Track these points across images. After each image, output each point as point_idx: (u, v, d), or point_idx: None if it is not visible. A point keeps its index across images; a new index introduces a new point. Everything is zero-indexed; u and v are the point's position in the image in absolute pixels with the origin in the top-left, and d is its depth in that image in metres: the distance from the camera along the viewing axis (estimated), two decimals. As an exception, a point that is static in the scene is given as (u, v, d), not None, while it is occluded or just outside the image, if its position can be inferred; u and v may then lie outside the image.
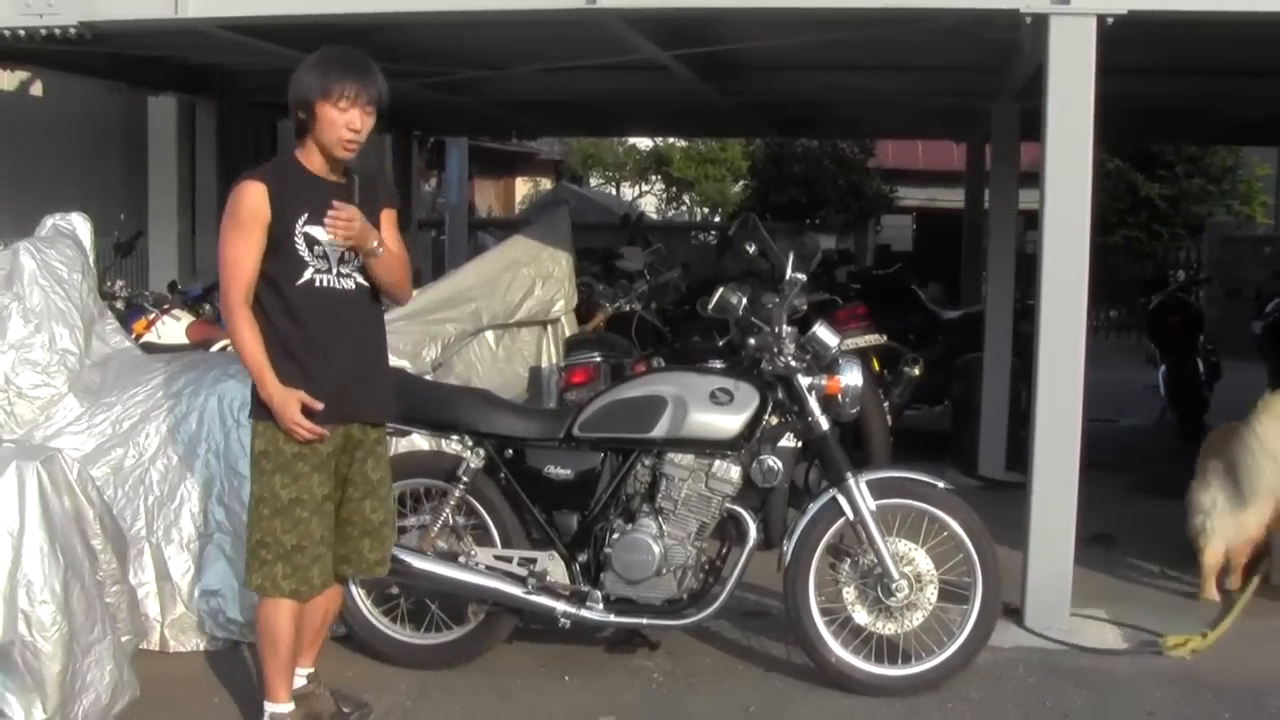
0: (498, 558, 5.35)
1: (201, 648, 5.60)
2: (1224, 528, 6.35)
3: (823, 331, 5.26)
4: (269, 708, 4.56)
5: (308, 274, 4.39)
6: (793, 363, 5.21)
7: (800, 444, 5.34)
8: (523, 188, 32.19)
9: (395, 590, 5.48)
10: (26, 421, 5.76)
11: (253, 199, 4.33)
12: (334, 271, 4.43)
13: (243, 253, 4.33)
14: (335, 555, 4.58)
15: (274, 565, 4.41)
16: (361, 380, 4.52)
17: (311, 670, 4.82)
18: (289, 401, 4.30)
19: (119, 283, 8.61)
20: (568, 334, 7.85)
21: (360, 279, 4.50)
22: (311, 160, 4.45)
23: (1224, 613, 6.17)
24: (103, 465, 5.64)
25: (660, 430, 5.18)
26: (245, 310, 4.33)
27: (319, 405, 4.33)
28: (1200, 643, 5.73)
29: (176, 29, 6.93)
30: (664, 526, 5.21)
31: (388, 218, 4.65)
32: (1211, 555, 6.38)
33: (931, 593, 5.24)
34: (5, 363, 5.74)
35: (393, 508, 4.85)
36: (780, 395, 5.25)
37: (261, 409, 4.39)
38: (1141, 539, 7.48)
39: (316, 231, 4.38)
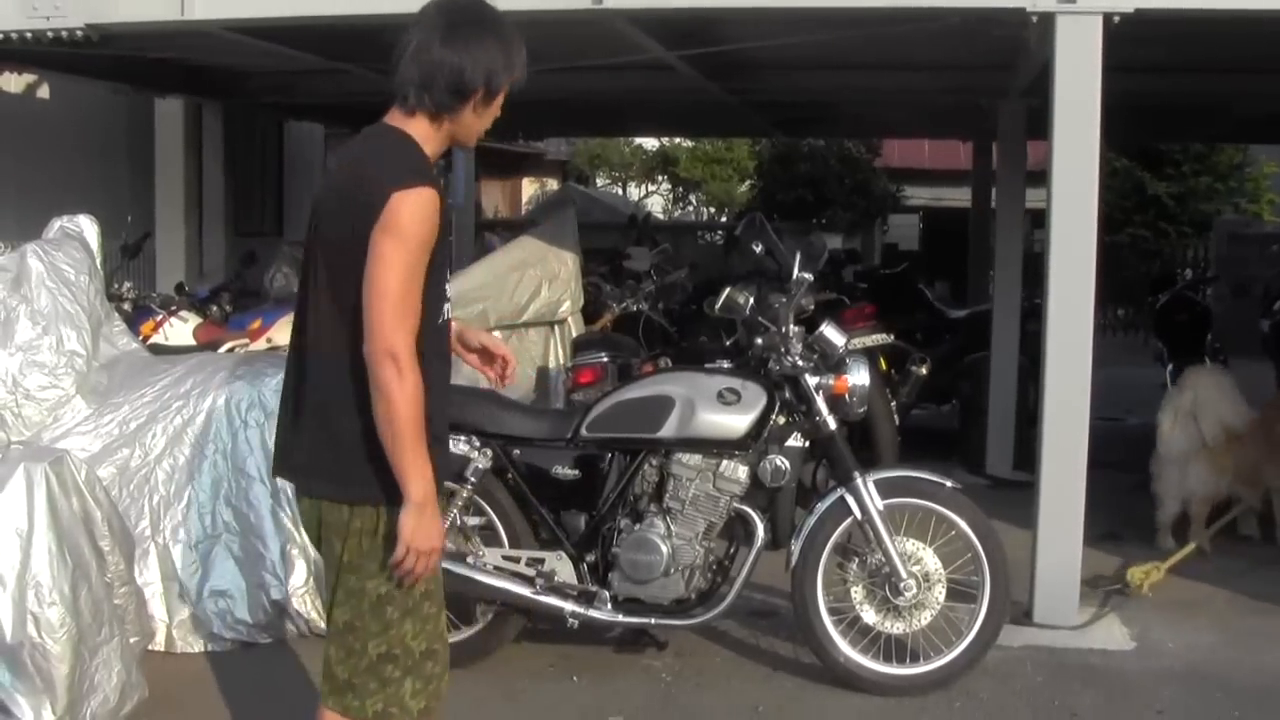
0: (505, 558, 5.35)
1: (209, 649, 5.60)
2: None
3: (830, 331, 5.26)
4: None
5: (446, 309, 3.38)
6: (800, 362, 5.20)
7: (808, 443, 5.34)
8: (529, 188, 32.20)
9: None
10: (34, 423, 5.77)
11: (435, 213, 3.16)
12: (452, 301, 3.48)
13: (418, 283, 3.14)
14: None
15: (401, 681, 3.29)
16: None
17: None
18: (439, 522, 3.21)
19: (126, 285, 8.62)
20: (575, 334, 7.86)
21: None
22: (432, 147, 3.30)
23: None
24: (109, 465, 5.65)
25: (668, 430, 5.18)
26: (418, 371, 3.12)
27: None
28: (1157, 575, 6.26)
29: (183, 31, 6.94)
30: (672, 526, 5.21)
31: None
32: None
33: (939, 592, 5.23)
34: (13, 365, 5.76)
35: None
36: (788, 395, 5.25)
37: (393, 491, 3.14)
38: (1149, 537, 7.47)
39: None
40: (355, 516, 3.24)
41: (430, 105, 3.21)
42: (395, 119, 3.27)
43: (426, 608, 3.32)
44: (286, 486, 5.68)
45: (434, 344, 3.27)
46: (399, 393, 3.06)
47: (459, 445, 5.44)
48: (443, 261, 3.29)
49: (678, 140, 29.97)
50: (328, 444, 3.25)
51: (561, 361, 7.73)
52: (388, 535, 3.19)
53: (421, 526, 3.12)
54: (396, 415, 3.07)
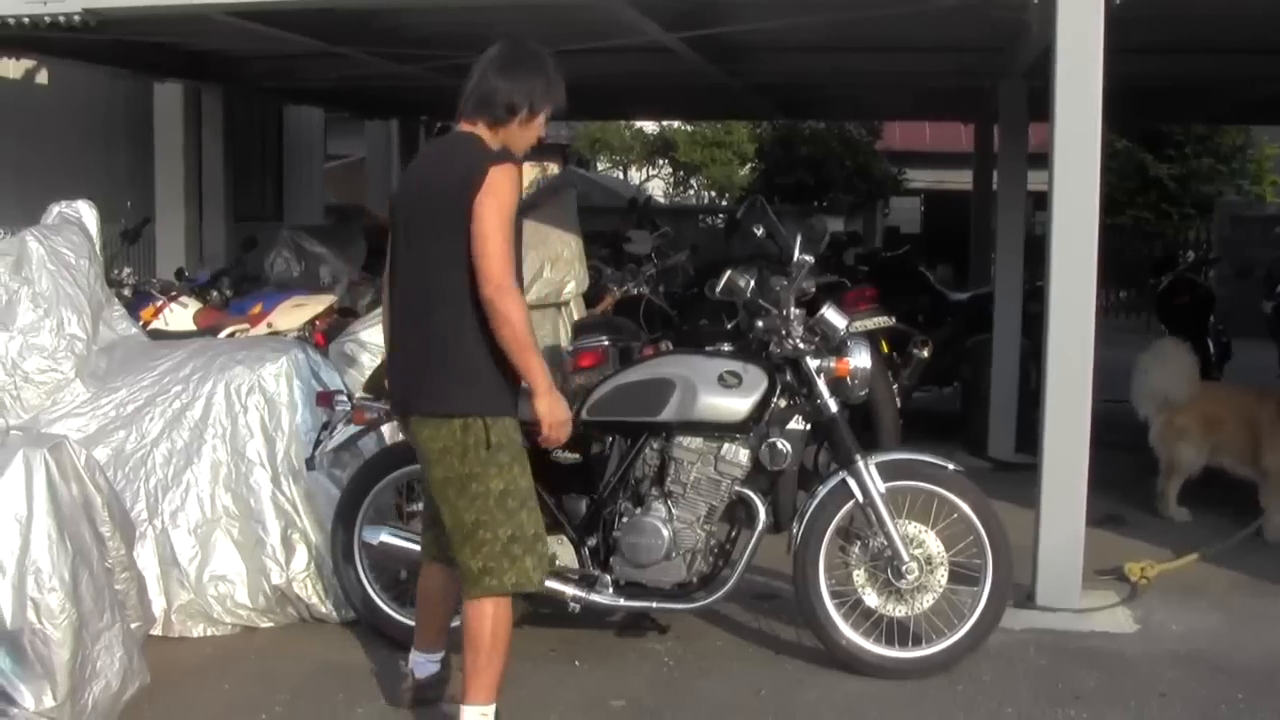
0: (507, 542, 5.33)
1: (209, 633, 5.60)
2: None
3: (831, 314, 5.24)
4: (483, 710, 4.36)
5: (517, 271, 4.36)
6: (801, 345, 5.19)
7: (809, 426, 5.32)
8: (530, 172, 32.06)
9: (404, 575, 5.48)
10: (33, 406, 5.77)
11: (519, 183, 4.30)
12: None
13: (510, 240, 4.20)
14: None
15: (524, 558, 4.34)
16: None
17: (442, 654, 4.89)
18: (564, 402, 4.39)
19: (126, 270, 8.62)
20: (576, 317, 7.83)
21: None
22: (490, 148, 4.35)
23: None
24: (104, 448, 5.64)
25: (669, 413, 5.17)
26: (524, 303, 4.22)
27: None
28: (1151, 572, 6.20)
29: (181, 15, 6.93)
30: (673, 510, 5.20)
31: None
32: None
33: (942, 575, 5.23)
34: (13, 347, 5.76)
35: None
36: (789, 378, 5.23)
37: (497, 402, 4.30)
38: (1152, 519, 7.48)
39: None
40: (468, 432, 4.25)
41: (488, 117, 4.32)
42: (464, 127, 4.36)
43: (532, 501, 4.41)
44: (288, 471, 5.71)
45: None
46: (517, 315, 4.14)
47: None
48: (518, 233, 4.31)
49: (676, 124, 29.90)
50: (447, 372, 4.26)
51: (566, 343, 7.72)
52: (497, 442, 4.27)
53: (552, 406, 4.31)
54: (518, 333, 4.15)
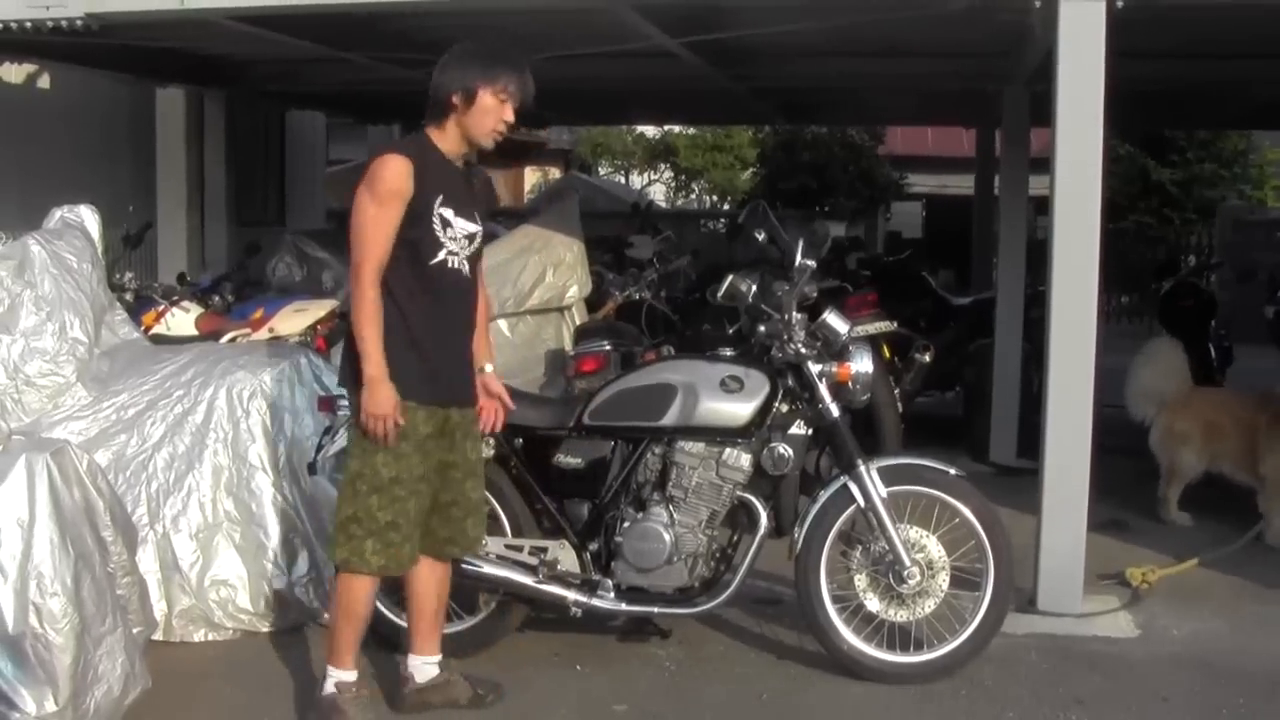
0: (509, 547, 5.34)
1: (210, 638, 5.60)
2: None
3: (833, 318, 5.24)
4: (336, 674, 4.65)
5: (442, 254, 4.47)
6: (803, 350, 5.19)
7: (811, 431, 5.32)
8: (532, 177, 32.14)
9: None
10: (34, 410, 5.77)
11: (396, 173, 4.35)
12: (460, 255, 4.55)
13: (381, 228, 4.34)
14: (440, 537, 4.74)
15: (363, 540, 4.48)
16: (464, 363, 4.70)
17: (439, 658, 4.94)
18: (390, 394, 4.35)
19: (128, 275, 8.61)
20: (579, 322, 7.84)
21: (468, 268, 4.62)
22: (445, 144, 4.53)
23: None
24: (105, 451, 5.64)
25: (671, 418, 5.17)
26: (375, 288, 4.35)
27: (402, 421, 4.41)
28: (1153, 577, 6.22)
29: (183, 20, 6.93)
30: (675, 515, 5.20)
31: None
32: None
33: (943, 579, 5.22)
34: (15, 351, 5.75)
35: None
36: (791, 382, 5.23)
37: (356, 387, 4.44)
38: (1154, 524, 7.48)
39: (449, 214, 4.48)
40: (351, 409, 4.50)
41: (432, 117, 4.52)
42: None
43: (396, 490, 4.45)
44: (289, 476, 5.72)
45: (425, 281, 4.44)
46: (359, 302, 4.33)
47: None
48: (428, 214, 4.40)
49: (677, 129, 29.89)
50: (347, 352, 4.54)
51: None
52: (356, 424, 4.44)
53: (372, 396, 4.33)
54: (358, 318, 4.35)
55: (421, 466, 4.52)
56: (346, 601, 4.60)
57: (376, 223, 4.33)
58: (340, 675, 4.65)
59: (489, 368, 4.89)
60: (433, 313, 4.49)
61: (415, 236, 4.40)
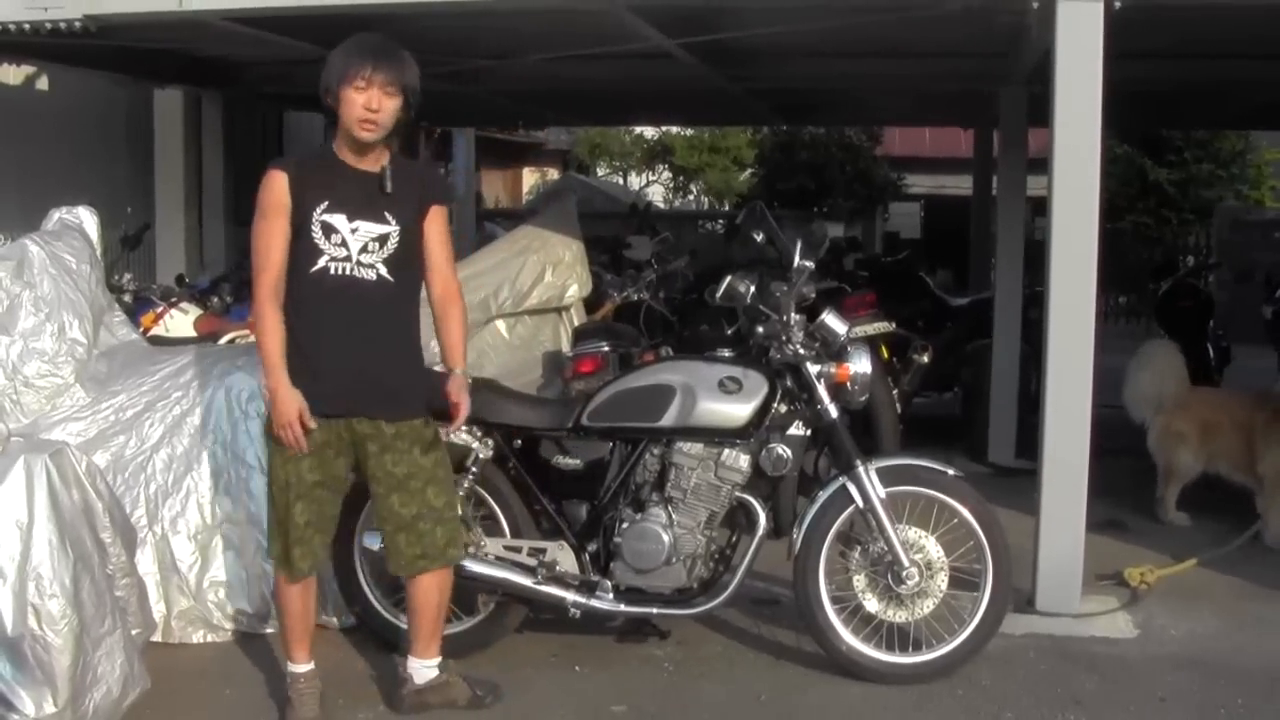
0: (507, 548, 5.34)
1: (209, 639, 5.60)
2: None
3: (831, 319, 5.24)
4: (288, 667, 4.83)
5: (322, 262, 4.44)
6: (801, 350, 5.19)
7: (809, 432, 5.32)
8: (530, 178, 32.17)
9: (403, 580, 5.47)
10: (33, 411, 5.76)
11: (272, 187, 4.42)
12: (354, 260, 4.46)
13: (267, 241, 4.41)
14: (409, 556, 4.72)
15: (273, 541, 4.70)
16: (370, 374, 4.52)
17: (439, 660, 4.92)
18: (289, 402, 4.41)
19: (126, 276, 8.61)
20: (577, 322, 7.83)
21: (384, 271, 4.49)
22: (342, 149, 4.52)
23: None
24: (103, 453, 5.63)
25: (669, 419, 5.17)
26: (272, 302, 4.41)
27: (313, 425, 4.45)
28: (1151, 577, 6.22)
29: (181, 21, 6.92)
30: (673, 515, 5.20)
31: (436, 215, 4.66)
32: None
33: (942, 580, 5.22)
34: (14, 352, 5.75)
35: (437, 500, 4.71)
36: (789, 383, 5.23)
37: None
38: (1152, 525, 7.48)
39: (337, 220, 4.43)
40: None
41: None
42: None
43: (287, 495, 4.54)
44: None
45: (309, 290, 4.44)
46: (254, 315, 4.53)
47: (460, 434, 5.43)
48: (306, 223, 4.40)
49: (675, 130, 29.89)
50: None
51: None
52: (270, 430, 4.54)
53: (275, 406, 4.43)
54: (255, 332, 4.59)
55: (315, 473, 4.54)
56: (277, 598, 4.85)
57: (262, 236, 4.41)
58: (291, 668, 4.81)
59: (458, 371, 4.74)
60: (318, 322, 4.46)
61: (297, 247, 4.43)
